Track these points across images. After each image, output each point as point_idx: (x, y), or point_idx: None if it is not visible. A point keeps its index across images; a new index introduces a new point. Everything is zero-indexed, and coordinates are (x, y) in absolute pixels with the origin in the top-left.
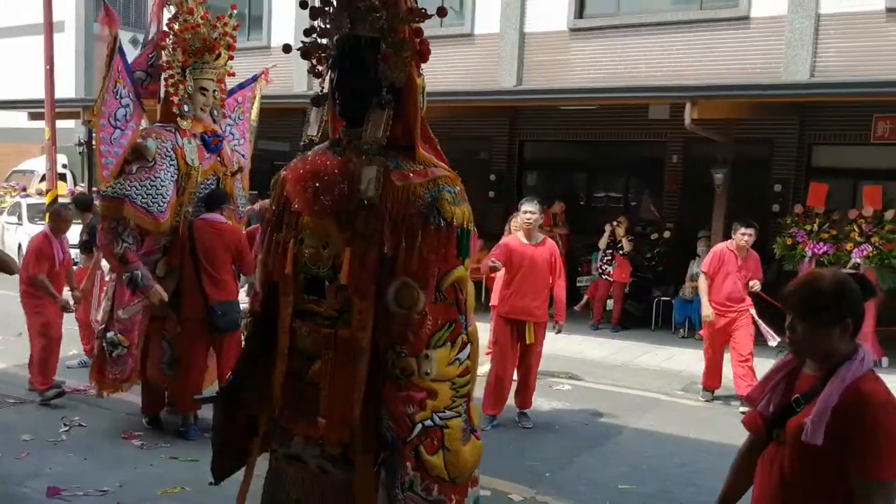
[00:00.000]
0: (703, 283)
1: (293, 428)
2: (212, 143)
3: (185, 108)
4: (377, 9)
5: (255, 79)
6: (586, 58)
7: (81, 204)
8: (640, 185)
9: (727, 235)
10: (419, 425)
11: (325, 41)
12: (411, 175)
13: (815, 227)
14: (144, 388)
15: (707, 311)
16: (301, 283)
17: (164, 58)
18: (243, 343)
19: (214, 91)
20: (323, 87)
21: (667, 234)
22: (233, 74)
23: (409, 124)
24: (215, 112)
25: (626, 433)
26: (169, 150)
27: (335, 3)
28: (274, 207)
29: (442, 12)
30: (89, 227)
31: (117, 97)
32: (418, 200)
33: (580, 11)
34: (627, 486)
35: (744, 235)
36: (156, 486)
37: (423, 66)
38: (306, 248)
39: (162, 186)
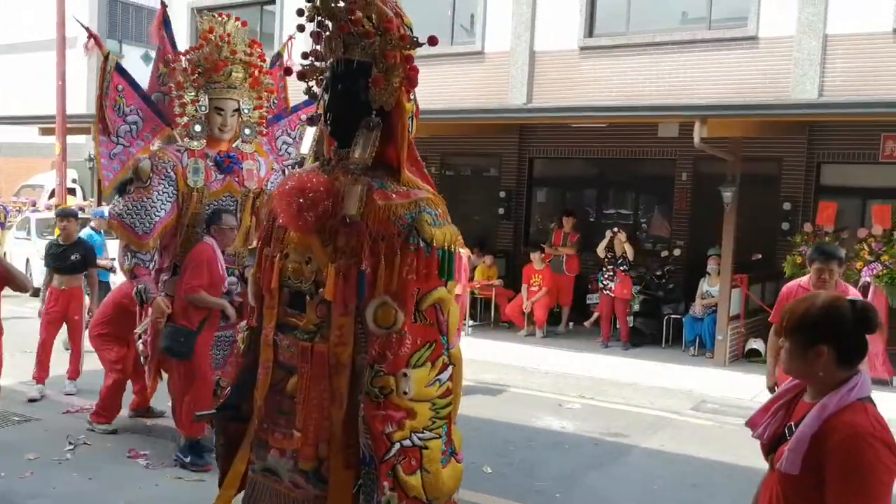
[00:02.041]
0: (772, 341)
1: (269, 440)
2: (223, 163)
3: (198, 128)
4: (370, 35)
5: None
6: (596, 76)
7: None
8: (649, 202)
9: (737, 253)
10: (397, 444)
11: (321, 64)
12: (394, 195)
13: None
14: None
15: (771, 381)
16: (285, 297)
17: (178, 78)
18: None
19: (240, 110)
20: (318, 109)
21: (677, 252)
22: (272, 91)
23: (396, 146)
24: (247, 131)
25: (636, 452)
26: (168, 170)
27: (330, 27)
28: (265, 223)
29: (433, 41)
30: (84, 247)
31: (120, 114)
32: (399, 221)
33: (590, 30)
34: None
35: (821, 273)
36: None
37: (415, 90)
38: (290, 262)
39: (151, 207)
